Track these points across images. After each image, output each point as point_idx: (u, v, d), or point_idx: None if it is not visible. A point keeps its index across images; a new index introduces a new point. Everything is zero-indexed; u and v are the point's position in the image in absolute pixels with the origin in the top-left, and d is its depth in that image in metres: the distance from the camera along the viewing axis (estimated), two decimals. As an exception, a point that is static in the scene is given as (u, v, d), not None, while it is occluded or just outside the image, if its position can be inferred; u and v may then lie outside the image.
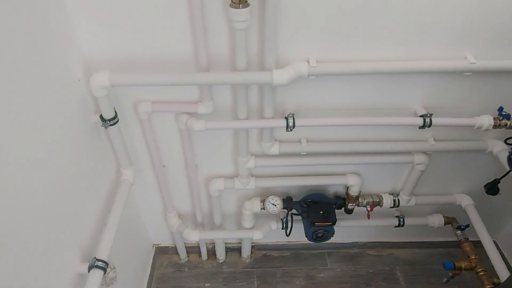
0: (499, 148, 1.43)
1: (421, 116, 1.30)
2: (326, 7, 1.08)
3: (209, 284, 1.93)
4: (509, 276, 1.23)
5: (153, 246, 2.02)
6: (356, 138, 1.47)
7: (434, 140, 1.46)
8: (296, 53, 1.18)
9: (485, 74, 1.26)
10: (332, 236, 1.61)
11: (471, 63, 1.16)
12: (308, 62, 1.16)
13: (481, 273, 1.56)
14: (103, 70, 1.11)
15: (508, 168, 1.29)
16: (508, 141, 1.26)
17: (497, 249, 1.61)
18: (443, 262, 1.67)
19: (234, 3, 1.00)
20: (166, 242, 2.01)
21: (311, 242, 1.87)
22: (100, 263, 1.14)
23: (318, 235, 1.56)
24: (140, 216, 1.81)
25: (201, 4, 1.04)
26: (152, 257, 1.99)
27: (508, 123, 1.29)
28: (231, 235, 1.76)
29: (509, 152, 1.25)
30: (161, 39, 1.15)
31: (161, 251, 2.04)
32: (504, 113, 1.30)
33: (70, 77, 1.11)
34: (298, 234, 1.70)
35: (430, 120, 1.28)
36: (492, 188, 1.40)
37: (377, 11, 1.10)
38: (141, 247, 1.89)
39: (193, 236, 1.70)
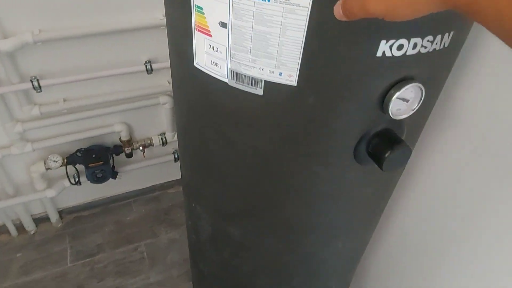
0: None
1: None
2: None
3: (20, 254, 2.10)
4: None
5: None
6: (110, 91, 1.86)
7: (169, 83, 1.97)
8: (24, 26, 1.49)
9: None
10: (112, 176, 1.99)
11: None
12: (33, 32, 1.48)
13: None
14: None
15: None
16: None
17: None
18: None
19: None
20: (-37, 232, 2.07)
21: (117, 194, 2.24)
22: None
23: (97, 176, 1.92)
24: None
25: None
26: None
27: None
28: (22, 199, 1.96)
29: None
30: None
31: (-39, 243, 2.09)
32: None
33: None
34: (104, 188, 2.01)
35: (151, 66, 1.76)
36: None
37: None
38: None
39: (-16, 209, 1.85)
